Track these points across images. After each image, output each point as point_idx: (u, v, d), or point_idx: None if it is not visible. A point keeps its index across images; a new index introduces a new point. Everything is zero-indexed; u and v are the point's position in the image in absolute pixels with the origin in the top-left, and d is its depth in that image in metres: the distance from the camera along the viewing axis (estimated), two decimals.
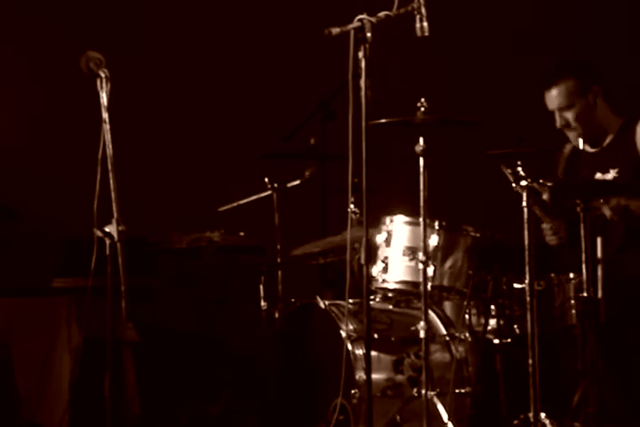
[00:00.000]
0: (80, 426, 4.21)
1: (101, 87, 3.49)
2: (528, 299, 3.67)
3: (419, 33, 3.55)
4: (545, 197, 3.75)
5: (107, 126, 3.48)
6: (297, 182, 4.53)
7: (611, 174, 4.14)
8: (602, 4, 5.45)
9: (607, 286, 3.73)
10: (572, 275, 3.87)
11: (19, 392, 4.17)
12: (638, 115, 4.19)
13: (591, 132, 4.20)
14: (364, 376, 3.50)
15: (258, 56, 5.49)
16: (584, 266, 3.72)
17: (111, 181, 3.48)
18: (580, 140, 4.19)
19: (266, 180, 4.55)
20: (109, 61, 3.47)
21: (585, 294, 3.72)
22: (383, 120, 3.77)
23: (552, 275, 3.89)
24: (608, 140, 4.21)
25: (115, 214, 3.50)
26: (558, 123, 4.19)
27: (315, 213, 4.80)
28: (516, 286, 3.87)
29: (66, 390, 4.23)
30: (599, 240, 3.76)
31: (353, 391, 3.81)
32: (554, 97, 4.16)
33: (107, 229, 3.55)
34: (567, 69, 4.18)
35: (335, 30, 3.57)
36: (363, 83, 3.51)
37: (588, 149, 4.26)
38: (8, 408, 4.15)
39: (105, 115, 3.48)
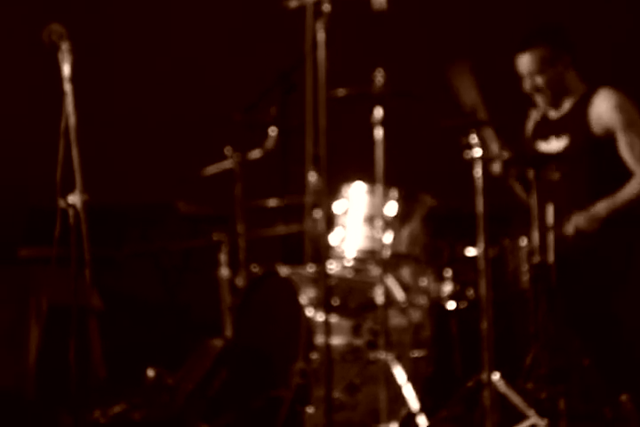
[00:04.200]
0: (48, 390, 4.29)
1: (63, 59, 3.53)
2: (482, 265, 3.78)
3: (375, 6, 3.63)
4: (496, 168, 3.86)
5: (69, 98, 3.53)
6: (258, 152, 4.59)
7: (563, 141, 4.26)
8: None
9: (558, 253, 3.86)
10: (524, 241, 3.98)
11: None
12: (600, 82, 4.30)
13: (558, 97, 4.31)
14: (324, 341, 3.60)
15: (219, 28, 5.53)
16: (535, 232, 3.84)
17: (74, 152, 3.53)
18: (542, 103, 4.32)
19: (227, 150, 4.61)
20: (72, 34, 3.51)
21: (537, 260, 3.85)
22: (341, 91, 3.86)
23: (505, 241, 4.01)
24: (568, 106, 4.32)
25: (78, 184, 3.56)
26: (528, 86, 4.30)
27: (276, 183, 4.87)
28: (470, 252, 3.98)
29: (34, 355, 4.30)
30: (549, 207, 3.88)
31: (313, 356, 3.90)
32: (526, 62, 4.27)
33: (70, 199, 3.60)
34: (541, 35, 4.30)
35: (293, 3, 3.64)
36: (320, 55, 3.58)
37: (552, 114, 4.37)
38: None
39: (67, 87, 3.53)
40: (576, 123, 4.23)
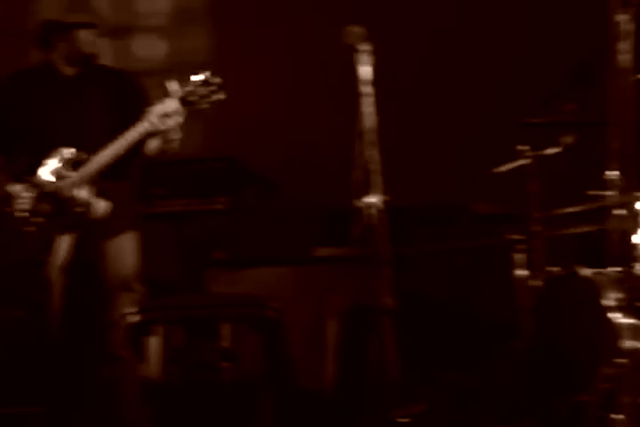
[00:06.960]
0: (347, 390, 4.34)
1: (362, 61, 3.56)
2: None
3: None
4: None
5: (368, 99, 3.55)
6: (555, 150, 4.46)
7: None
8: None
9: None
10: None
11: (291, 357, 4.34)
12: None
13: None
14: (632, 345, 3.42)
15: (519, 22, 5.44)
16: None
17: (373, 154, 3.55)
18: None
19: (520, 148, 4.50)
20: (372, 35, 3.53)
21: None
22: None
23: None
24: None
25: (377, 186, 3.58)
26: None
27: (573, 183, 4.71)
28: None
29: (332, 355, 4.36)
30: None
31: (620, 361, 3.73)
32: None
33: (369, 200, 3.63)
34: None
35: None
36: (622, 46, 3.42)
37: None
38: (282, 374, 4.33)
39: (366, 88, 3.55)
40: None
